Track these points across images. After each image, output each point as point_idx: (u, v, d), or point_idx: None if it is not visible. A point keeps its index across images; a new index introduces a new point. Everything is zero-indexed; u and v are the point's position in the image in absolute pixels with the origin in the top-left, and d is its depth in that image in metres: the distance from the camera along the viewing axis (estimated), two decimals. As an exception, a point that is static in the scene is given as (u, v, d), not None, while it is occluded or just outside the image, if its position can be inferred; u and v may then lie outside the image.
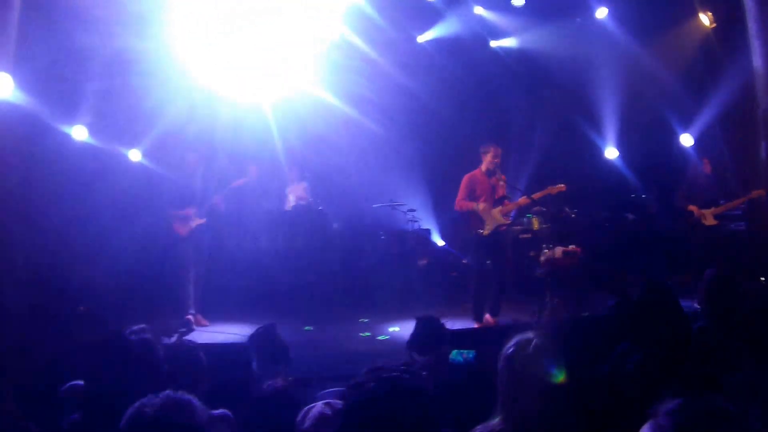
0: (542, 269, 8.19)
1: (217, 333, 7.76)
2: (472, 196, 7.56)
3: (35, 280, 7.91)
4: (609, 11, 10.47)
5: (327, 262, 9.94)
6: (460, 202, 7.60)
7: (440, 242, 11.60)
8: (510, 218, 7.80)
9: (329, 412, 3.02)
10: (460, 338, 5.10)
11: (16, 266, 7.69)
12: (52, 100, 7.98)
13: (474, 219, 7.54)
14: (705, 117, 9.67)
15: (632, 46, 10.26)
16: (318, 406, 3.09)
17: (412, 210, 10.49)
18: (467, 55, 11.13)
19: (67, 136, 8.56)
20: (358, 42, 9.96)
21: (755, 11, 8.28)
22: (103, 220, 9.03)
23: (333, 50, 9.90)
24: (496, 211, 7.52)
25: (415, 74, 10.79)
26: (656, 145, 10.37)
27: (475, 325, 7.49)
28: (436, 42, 10.98)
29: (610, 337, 3.75)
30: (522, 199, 7.73)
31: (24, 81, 7.29)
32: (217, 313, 8.47)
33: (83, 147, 8.76)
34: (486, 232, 7.49)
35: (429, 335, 4.21)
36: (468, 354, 3.28)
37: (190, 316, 7.97)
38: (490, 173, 7.58)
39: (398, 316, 8.39)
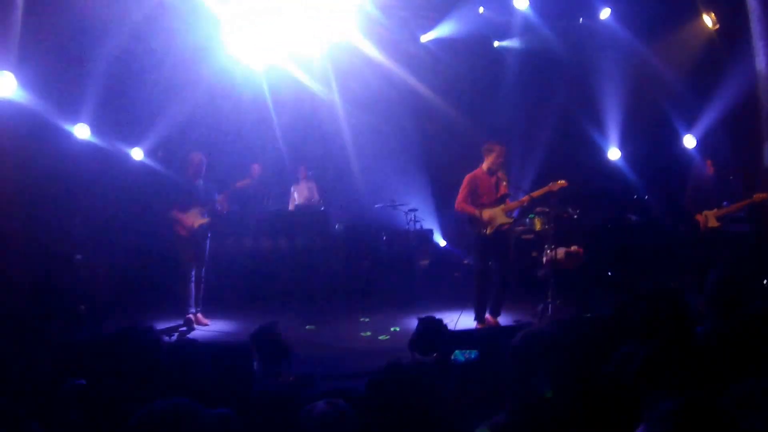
0: (544, 270, 8.18)
1: (217, 332, 7.76)
2: (474, 195, 7.50)
3: (36, 278, 7.92)
4: (612, 12, 10.46)
5: (329, 261, 9.94)
6: (461, 203, 7.53)
7: (442, 242, 11.60)
8: (512, 217, 7.75)
9: (332, 411, 3.01)
10: (462, 339, 5.09)
11: (17, 264, 7.70)
12: (54, 98, 7.99)
13: (476, 218, 7.51)
14: (708, 118, 9.66)
15: (635, 46, 10.25)
16: (320, 405, 3.07)
17: (414, 210, 10.48)
18: (471, 55, 11.13)
19: (70, 135, 8.56)
20: (362, 41, 9.96)
21: (759, 12, 8.26)
22: (105, 219, 9.05)
23: (336, 49, 9.90)
24: (499, 210, 7.48)
25: (417, 74, 10.78)
26: (659, 147, 10.36)
27: (477, 326, 7.47)
28: (439, 41, 10.97)
29: (613, 338, 3.73)
30: (525, 198, 7.67)
31: (27, 79, 7.30)
32: (218, 312, 8.47)
33: (85, 145, 8.76)
34: (488, 231, 7.44)
35: (431, 335, 4.20)
36: (470, 353, 3.28)
37: (191, 316, 7.97)
38: (491, 172, 7.52)
39: (399, 315, 8.38)
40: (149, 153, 9.37)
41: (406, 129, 11.27)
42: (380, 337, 7.51)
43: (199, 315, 8.10)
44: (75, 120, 8.61)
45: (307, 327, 7.98)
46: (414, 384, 1.84)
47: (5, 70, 7.06)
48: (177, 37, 8.80)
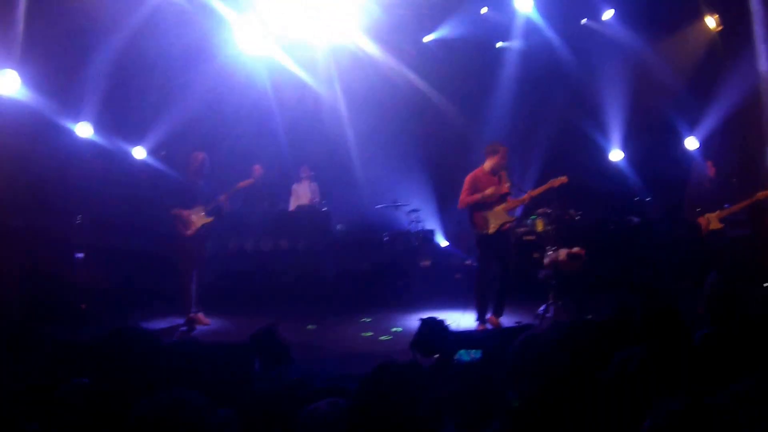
0: (546, 271, 8.18)
1: (218, 332, 7.76)
2: (474, 194, 7.53)
3: (37, 275, 7.93)
4: (615, 13, 10.45)
5: (330, 262, 9.95)
6: (465, 199, 7.54)
7: (443, 243, 11.60)
8: (514, 216, 7.75)
9: (333, 411, 3.01)
10: (464, 340, 5.09)
11: (19, 261, 7.72)
12: (57, 97, 8.01)
13: (478, 218, 7.51)
14: (710, 120, 9.65)
15: (638, 48, 10.25)
16: (322, 405, 3.07)
17: (416, 210, 10.48)
18: (473, 55, 11.13)
19: (72, 133, 8.58)
20: (364, 42, 9.97)
21: (762, 14, 8.26)
22: (107, 218, 9.06)
23: (339, 50, 9.91)
24: (500, 209, 7.48)
25: (420, 74, 10.78)
26: (661, 148, 10.35)
27: (478, 327, 7.46)
28: (441, 42, 10.97)
29: (613, 340, 3.73)
30: (526, 196, 7.68)
31: (30, 78, 7.32)
32: (219, 312, 8.47)
33: (88, 144, 8.78)
34: (490, 230, 7.44)
35: (433, 336, 4.20)
36: (475, 353, 3.29)
37: (192, 315, 7.98)
38: (493, 172, 7.53)
39: (400, 316, 8.39)
40: (151, 152, 9.39)
41: (408, 129, 11.27)
42: (381, 338, 7.51)
43: (200, 315, 8.11)
44: (77, 118, 8.63)
45: (308, 327, 7.98)
46: (403, 386, 1.84)
47: (9, 68, 7.08)
48: (180, 36, 8.82)
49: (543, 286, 8.17)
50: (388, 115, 10.99)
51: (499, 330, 7.26)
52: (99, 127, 8.86)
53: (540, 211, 8.90)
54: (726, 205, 8.38)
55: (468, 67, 11.12)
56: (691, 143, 9.86)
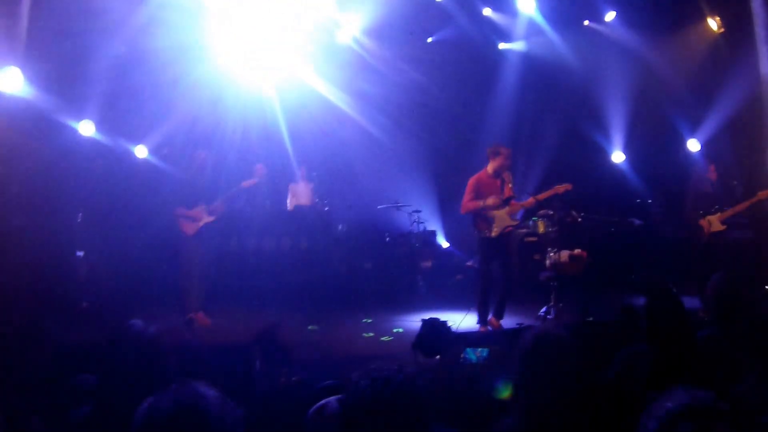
0: (547, 273, 8.18)
1: (219, 332, 7.75)
2: (479, 198, 7.51)
3: (40, 273, 7.93)
4: (617, 15, 10.45)
5: (332, 262, 9.94)
6: (467, 204, 7.54)
7: (445, 244, 11.59)
8: (517, 219, 7.76)
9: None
10: (465, 341, 5.09)
11: (20, 259, 7.71)
12: (60, 94, 8.01)
13: (481, 220, 7.51)
14: (712, 123, 9.65)
15: (640, 49, 10.25)
16: (331, 403, 3.07)
17: (418, 211, 10.48)
18: (476, 56, 11.13)
19: (74, 131, 8.59)
20: (368, 42, 9.97)
21: (764, 16, 8.26)
22: (108, 216, 9.06)
23: (341, 50, 9.91)
24: (503, 212, 7.47)
25: (422, 74, 10.78)
26: (663, 150, 10.34)
27: (480, 328, 7.46)
28: (445, 43, 10.97)
29: (616, 342, 3.73)
30: (529, 200, 7.69)
31: (33, 75, 7.33)
32: (220, 312, 8.46)
33: (91, 142, 8.79)
34: (493, 233, 7.44)
35: (435, 337, 4.21)
36: (482, 352, 3.29)
37: (192, 315, 7.97)
38: (496, 174, 7.52)
39: (402, 317, 8.38)
40: (153, 150, 9.39)
41: (411, 130, 11.27)
42: (382, 338, 7.50)
43: (201, 314, 8.10)
44: (80, 116, 8.63)
45: (310, 328, 7.98)
46: (388, 388, 1.83)
47: (12, 65, 7.09)
48: (183, 35, 8.82)
49: (544, 287, 8.17)
50: (391, 116, 10.98)
51: (501, 332, 7.27)
52: (101, 125, 8.86)
53: (541, 212, 8.90)
54: (727, 209, 8.36)
55: (471, 68, 11.13)
56: (693, 145, 9.85)
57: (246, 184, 8.42)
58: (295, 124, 10.33)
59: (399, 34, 10.23)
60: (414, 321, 7.50)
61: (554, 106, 11.12)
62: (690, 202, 8.48)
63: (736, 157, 9.28)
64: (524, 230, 9.56)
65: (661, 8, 9.86)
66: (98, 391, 2.56)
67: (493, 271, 7.61)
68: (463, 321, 7.43)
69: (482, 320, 7.55)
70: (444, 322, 4.67)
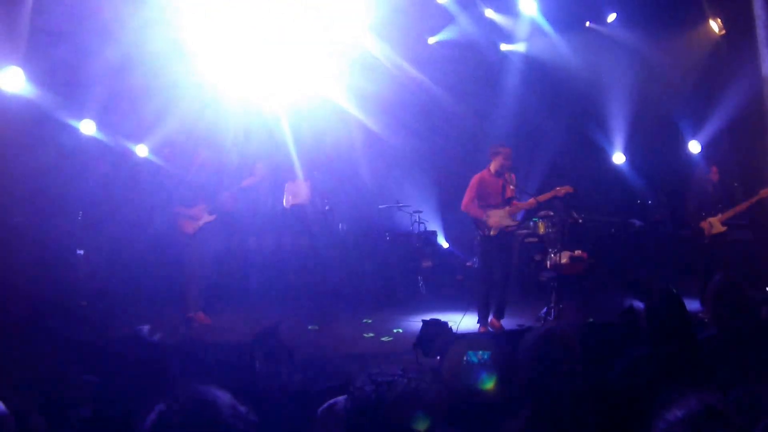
0: (548, 273, 8.19)
1: (219, 331, 7.76)
2: (480, 197, 7.55)
3: (40, 272, 7.93)
4: (618, 17, 10.45)
5: (332, 261, 9.94)
6: (468, 205, 7.57)
7: (445, 244, 11.59)
8: (517, 219, 7.78)
9: None
10: (465, 341, 5.08)
11: (20, 258, 7.72)
12: (61, 94, 8.02)
13: (481, 221, 7.54)
14: (713, 124, 9.65)
15: (642, 51, 10.25)
16: (341, 401, 3.07)
17: (419, 211, 10.48)
18: (477, 57, 11.13)
19: (75, 130, 8.59)
20: (369, 41, 9.97)
21: (765, 18, 8.27)
22: (108, 216, 9.06)
23: (343, 49, 9.91)
24: (504, 213, 7.50)
25: (424, 75, 10.78)
26: (664, 152, 10.35)
27: (480, 329, 7.47)
28: (446, 43, 10.97)
29: (617, 343, 3.74)
30: (530, 201, 7.72)
31: (35, 75, 7.33)
32: (220, 311, 8.47)
33: (91, 141, 8.79)
34: (493, 233, 7.47)
35: (435, 337, 4.21)
36: (483, 354, 3.29)
37: (192, 314, 7.97)
38: (498, 174, 7.55)
39: (402, 317, 8.39)
40: (154, 150, 9.38)
41: (412, 130, 11.26)
42: (383, 339, 7.51)
43: (201, 313, 8.10)
44: (81, 116, 8.64)
45: (310, 327, 7.98)
46: (392, 391, 1.84)
47: (14, 65, 7.09)
48: (185, 34, 8.82)
49: (545, 288, 8.18)
50: (392, 115, 10.98)
51: (502, 332, 7.28)
52: (102, 124, 8.87)
53: (542, 213, 8.90)
54: (728, 208, 8.34)
55: (472, 69, 11.11)
56: (694, 147, 9.85)
57: (246, 182, 8.42)
58: (296, 124, 10.32)
59: (402, 33, 10.22)
60: (414, 321, 7.52)
61: (555, 107, 11.12)
62: (691, 204, 8.49)
63: (738, 159, 9.28)
64: (525, 231, 9.56)
65: (663, 10, 9.86)
66: (101, 392, 2.57)
67: (493, 271, 7.62)
68: (462, 321, 7.43)
69: (482, 320, 7.55)
70: (444, 323, 4.68)
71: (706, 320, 5.39)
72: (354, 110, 10.56)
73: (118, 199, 9.13)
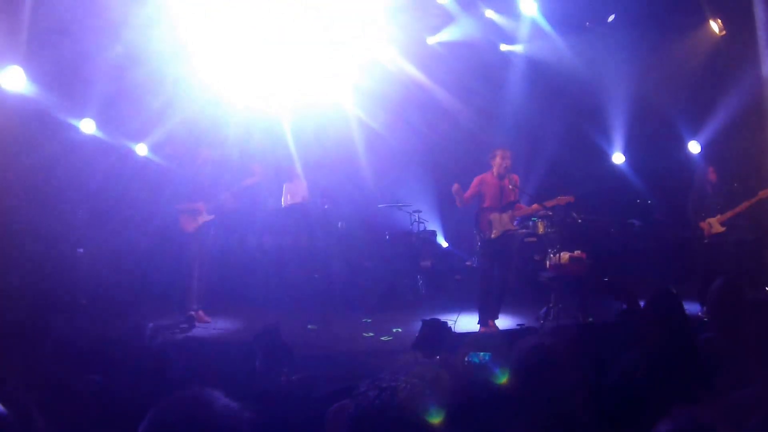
0: (548, 274, 8.20)
1: (219, 330, 7.76)
2: (479, 197, 7.62)
3: (39, 271, 7.94)
4: (619, 17, 10.44)
5: (331, 261, 9.94)
6: (467, 201, 7.67)
7: (445, 244, 11.59)
8: (515, 224, 7.86)
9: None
10: (465, 342, 5.09)
11: (20, 256, 7.73)
12: (62, 93, 8.02)
13: (483, 221, 7.57)
14: (713, 125, 9.65)
15: (641, 51, 10.24)
16: (346, 404, 3.07)
17: (418, 211, 10.48)
18: (477, 57, 11.12)
19: (76, 129, 8.59)
20: (369, 41, 9.96)
21: (765, 20, 8.27)
22: (108, 214, 9.06)
23: (344, 49, 9.90)
24: (506, 216, 7.57)
25: (423, 75, 10.77)
26: (664, 152, 10.34)
27: (480, 329, 7.49)
28: (446, 44, 10.96)
29: (616, 345, 3.74)
30: (535, 206, 7.84)
31: (35, 74, 7.34)
32: (220, 310, 8.47)
33: (92, 139, 8.79)
34: (493, 235, 7.51)
35: (435, 337, 4.21)
36: (485, 356, 3.30)
37: (192, 313, 7.97)
38: (500, 176, 7.60)
39: (401, 316, 8.39)
40: (155, 149, 9.38)
41: (412, 129, 11.26)
42: (382, 338, 7.52)
43: (201, 312, 8.10)
44: (81, 115, 8.64)
45: (309, 327, 7.99)
46: (395, 398, 1.84)
47: (14, 64, 7.10)
48: (186, 34, 8.82)
49: (544, 288, 8.19)
50: (392, 115, 10.97)
51: (502, 333, 7.28)
52: (102, 123, 8.87)
53: (542, 213, 8.90)
54: (727, 209, 8.34)
55: (472, 69, 11.10)
56: (694, 147, 9.85)
57: (247, 182, 8.42)
58: (297, 123, 10.32)
59: (402, 34, 10.22)
60: (414, 321, 7.52)
61: (555, 107, 11.11)
62: (690, 204, 8.49)
63: (737, 160, 9.28)
64: (524, 231, 9.56)
65: (663, 10, 9.86)
66: (101, 392, 2.57)
67: (493, 272, 7.65)
68: (462, 321, 7.44)
69: (483, 321, 7.58)
70: (444, 323, 4.68)
71: (706, 319, 5.40)
72: (354, 110, 10.56)
73: (118, 197, 9.13)
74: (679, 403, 1.82)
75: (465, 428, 2.49)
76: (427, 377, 1.90)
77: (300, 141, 10.35)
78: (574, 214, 8.81)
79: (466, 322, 7.65)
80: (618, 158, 11.00)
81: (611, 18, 10.51)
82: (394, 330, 7.81)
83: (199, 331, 7.71)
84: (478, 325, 7.55)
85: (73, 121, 8.55)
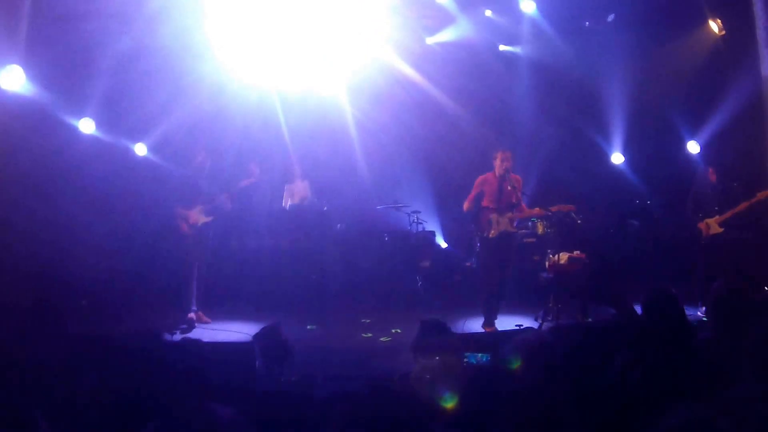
0: (547, 274, 8.20)
1: (219, 331, 7.76)
2: (480, 197, 7.65)
3: (39, 271, 7.93)
4: (618, 18, 10.44)
5: (330, 261, 9.93)
6: (466, 203, 7.69)
7: (444, 244, 11.59)
8: (515, 228, 7.91)
9: None
10: (465, 342, 5.09)
11: (20, 256, 7.72)
12: (61, 92, 8.01)
13: (483, 220, 7.60)
14: (712, 125, 9.65)
15: (641, 51, 10.24)
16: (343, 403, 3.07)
17: (417, 211, 10.47)
18: (476, 57, 11.12)
19: (75, 129, 8.59)
20: (369, 41, 9.96)
21: (765, 19, 8.26)
22: (108, 215, 9.05)
23: (343, 49, 9.90)
24: (507, 218, 7.61)
25: (423, 75, 10.77)
26: (663, 152, 10.34)
27: (484, 330, 7.50)
28: (445, 44, 10.96)
29: (614, 345, 3.74)
30: (537, 210, 7.92)
31: (34, 73, 7.33)
32: (219, 311, 8.47)
33: (91, 140, 8.79)
34: (492, 234, 7.54)
35: (434, 338, 4.21)
36: (482, 357, 3.31)
37: (192, 314, 7.97)
38: (502, 177, 7.63)
39: (400, 317, 8.39)
40: (154, 149, 9.38)
41: (411, 130, 11.25)
42: (381, 339, 7.52)
43: (200, 313, 8.10)
44: (81, 114, 8.63)
45: (309, 327, 7.99)
46: (387, 395, 1.85)
47: (13, 64, 7.09)
48: (184, 34, 8.82)
49: (543, 288, 8.19)
50: (391, 116, 10.97)
51: (501, 333, 7.29)
52: (101, 123, 8.87)
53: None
54: (726, 210, 8.34)
55: (471, 69, 11.10)
56: (693, 147, 9.85)
57: (245, 183, 8.43)
58: (297, 124, 10.32)
59: (401, 34, 10.22)
60: (413, 321, 7.53)
61: (554, 107, 11.10)
62: (689, 205, 8.49)
63: (737, 160, 9.27)
64: (523, 231, 9.56)
65: (662, 10, 9.85)
66: (101, 391, 2.57)
67: (493, 272, 7.67)
68: (460, 322, 7.45)
69: (488, 322, 7.61)
70: (443, 323, 4.67)
71: (705, 320, 5.40)
72: (352, 110, 10.56)
73: (116, 198, 9.13)
74: (678, 403, 1.83)
75: (463, 428, 2.50)
76: (425, 378, 1.91)
77: (298, 142, 10.34)
78: (573, 215, 8.82)
79: (466, 323, 7.66)
80: (617, 158, 11.00)
81: (611, 18, 10.52)
82: (393, 330, 7.81)
83: (198, 331, 7.71)
84: (485, 327, 7.56)
85: (73, 121, 8.54)
